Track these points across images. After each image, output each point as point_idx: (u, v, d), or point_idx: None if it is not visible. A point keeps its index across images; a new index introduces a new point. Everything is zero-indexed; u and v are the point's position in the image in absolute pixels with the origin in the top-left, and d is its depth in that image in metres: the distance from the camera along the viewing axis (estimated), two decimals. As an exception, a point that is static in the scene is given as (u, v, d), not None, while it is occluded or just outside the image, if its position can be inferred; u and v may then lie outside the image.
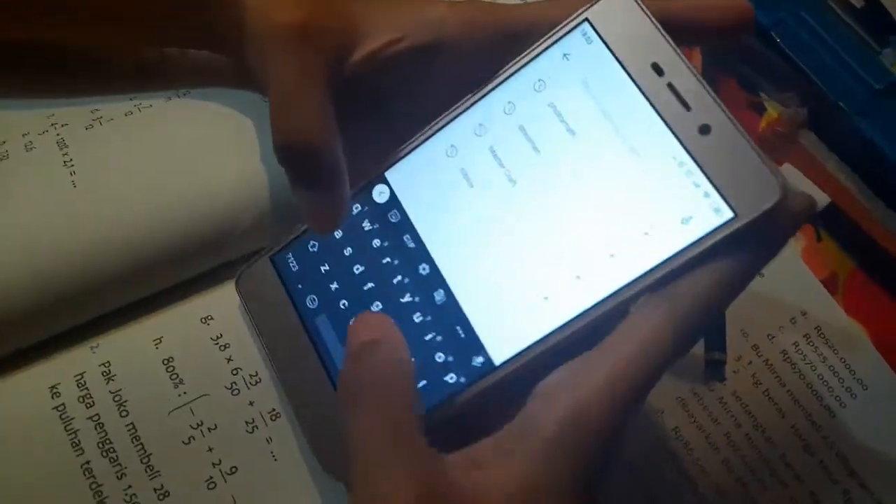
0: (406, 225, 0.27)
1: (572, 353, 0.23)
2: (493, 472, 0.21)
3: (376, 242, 0.28)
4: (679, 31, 0.24)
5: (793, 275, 0.40)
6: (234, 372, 0.30)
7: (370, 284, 0.28)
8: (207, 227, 0.30)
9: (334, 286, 0.28)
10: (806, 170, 0.44)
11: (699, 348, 0.36)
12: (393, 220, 0.27)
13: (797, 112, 0.45)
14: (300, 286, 0.29)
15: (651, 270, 0.23)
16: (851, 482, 0.35)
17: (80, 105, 0.33)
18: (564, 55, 0.25)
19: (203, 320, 0.31)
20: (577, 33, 0.25)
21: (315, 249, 0.29)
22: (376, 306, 0.27)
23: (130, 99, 0.33)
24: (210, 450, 0.29)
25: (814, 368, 0.37)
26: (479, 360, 0.25)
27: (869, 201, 0.44)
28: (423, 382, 0.26)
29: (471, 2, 0.27)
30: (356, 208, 0.28)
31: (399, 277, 0.27)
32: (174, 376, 0.29)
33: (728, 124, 0.23)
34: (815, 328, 0.38)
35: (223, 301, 0.31)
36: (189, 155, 0.31)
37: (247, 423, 0.29)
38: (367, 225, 0.28)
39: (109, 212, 0.29)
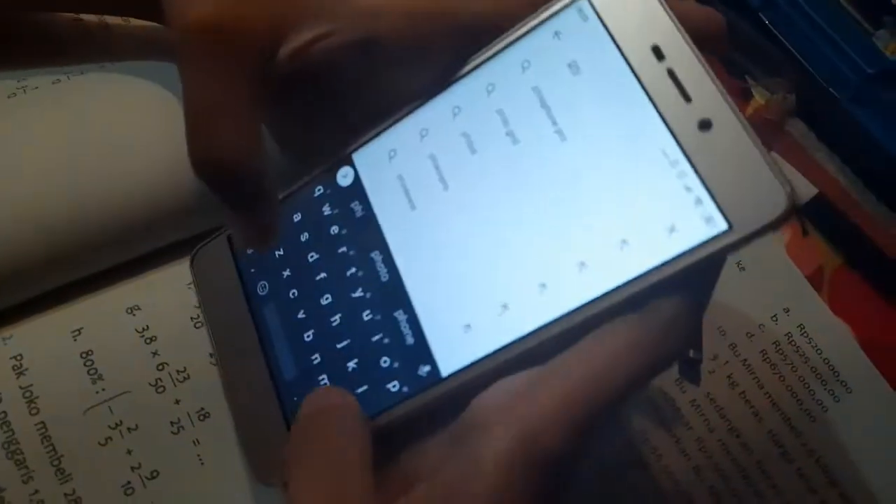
0: (367, 213, 0.25)
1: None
2: None
3: (334, 229, 0.25)
4: None
5: (776, 270, 0.38)
6: (160, 367, 0.27)
7: (322, 275, 0.25)
8: (132, 210, 0.28)
9: (286, 273, 0.26)
10: (793, 160, 0.41)
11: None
12: (353, 207, 0.25)
13: (785, 98, 0.43)
14: (253, 270, 0.27)
15: (624, 285, 0.20)
16: (831, 492, 0.33)
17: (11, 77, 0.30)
18: (556, 33, 0.23)
19: (129, 311, 0.28)
20: (572, 10, 0.22)
21: None
22: (326, 299, 0.25)
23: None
24: (129, 452, 0.26)
25: (795, 369, 0.35)
26: (425, 369, 0.23)
27: (860, 193, 0.41)
28: (363, 388, 0.23)
29: None
30: (318, 190, 0.26)
31: (353, 270, 0.24)
32: (92, 371, 0.27)
33: (733, 120, 0.20)
34: (798, 326, 0.36)
35: (152, 290, 0.29)
36: (115, 129, 0.28)
37: (172, 423, 0.27)
38: (327, 209, 0.25)
39: (23, 189, 0.27)
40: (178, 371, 0.28)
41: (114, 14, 0.31)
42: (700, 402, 0.33)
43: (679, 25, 0.21)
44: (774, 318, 0.36)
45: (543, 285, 0.21)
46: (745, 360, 0.35)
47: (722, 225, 0.19)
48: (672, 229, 0.20)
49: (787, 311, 0.36)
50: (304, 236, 0.26)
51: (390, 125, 0.25)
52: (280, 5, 0.22)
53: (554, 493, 0.19)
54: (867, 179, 0.41)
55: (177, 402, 0.27)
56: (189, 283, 0.29)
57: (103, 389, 0.27)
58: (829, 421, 0.34)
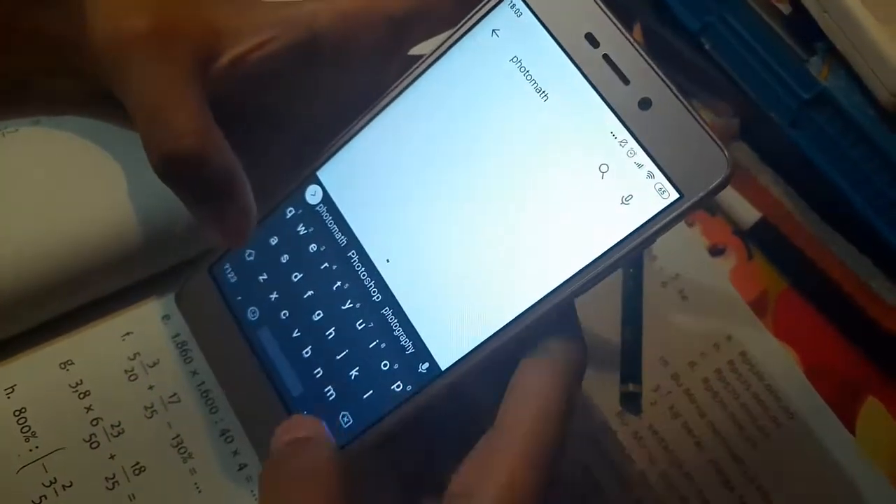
0: (342, 226, 0.25)
1: (523, 353, 0.22)
2: None
3: (313, 247, 0.26)
4: None
5: (719, 297, 0.38)
6: (94, 422, 0.28)
7: (310, 292, 0.26)
8: (61, 266, 0.28)
9: (274, 296, 0.26)
10: (738, 183, 0.42)
11: (614, 382, 0.34)
12: (328, 222, 0.26)
13: (729, 122, 0.43)
14: (240, 298, 0.27)
15: (596, 260, 0.22)
16: (773, 520, 0.33)
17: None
18: (494, 31, 0.24)
19: (62, 366, 0.28)
20: (504, 6, 0.24)
21: (252, 258, 0.27)
22: (318, 315, 0.25)
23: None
24: (63, 510, 0.26)
25: (737, 397, 0.35)
26: (424, 366, 0.24)
27: (803, 215, 0.42)
28: (369, 392, 0.24)
29: None
30: (290, 212, 0.26)
31: (339, 283, 0.25)
32: (25, 429, 0.27)
33: (670, 97, 0.21)
34: (741, 353, 0.36)
35: (85, 344, 0.29)
36: (48, 186, 0.28)
37: (107, 479, 0.27)
38: (301, 229, 0.26)
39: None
40: (112, 425, 0.28)
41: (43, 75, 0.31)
42: (642, 434, 0.34)
43: (608, 11, 0.22)
44: (717, 346, 0.36)
45: (523, 272, 0.23)
46: (688, 389, 0.35)
47: (674, 194, 0.21)
48: (630, 202, 0.22)
49: (729, 338, 0.37)
50: (285, 258, 0.26)
51: (349, 138, 0.26)
52: (215, 17, 0.23)
53: None
54: (810, 201, 0.42)
55: (111, 457, 0.27)
56: (123, 335, 0.29)
57: (37, 447, 0.27)
58: (771, 447, 0.34)
